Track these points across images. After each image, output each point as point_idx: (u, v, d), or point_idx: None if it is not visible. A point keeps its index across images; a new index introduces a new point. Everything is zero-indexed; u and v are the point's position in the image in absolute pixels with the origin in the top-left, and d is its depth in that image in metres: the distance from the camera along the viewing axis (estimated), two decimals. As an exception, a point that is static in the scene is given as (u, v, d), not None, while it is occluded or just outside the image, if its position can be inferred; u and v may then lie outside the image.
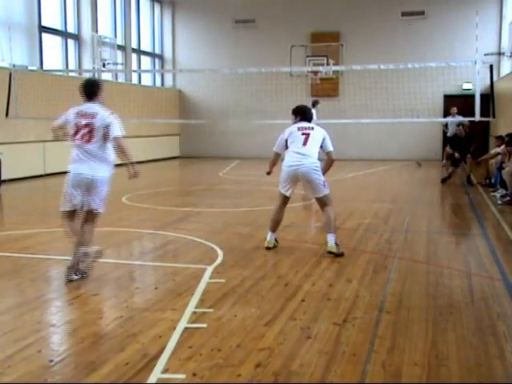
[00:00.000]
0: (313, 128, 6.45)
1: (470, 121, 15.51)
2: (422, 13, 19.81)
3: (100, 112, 5.29)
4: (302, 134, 6.36)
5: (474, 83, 11.22)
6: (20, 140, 14.08)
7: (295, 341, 3.79)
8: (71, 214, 5.21)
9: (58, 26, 16.63)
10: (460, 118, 16.48)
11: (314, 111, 9.81)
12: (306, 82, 19.80)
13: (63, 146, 16.76)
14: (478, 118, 10.75)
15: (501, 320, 4.23)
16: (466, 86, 18.28)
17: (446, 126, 17.31)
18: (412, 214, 9.09)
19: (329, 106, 19.01)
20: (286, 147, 6.44)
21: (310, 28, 20.64)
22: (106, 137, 5.19)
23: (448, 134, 17.26)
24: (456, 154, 13.50)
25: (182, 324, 4.07)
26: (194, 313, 4.31)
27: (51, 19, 16.20)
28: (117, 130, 5.23)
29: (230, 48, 21.40)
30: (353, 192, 12.65)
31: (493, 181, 11.61)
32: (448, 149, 15.00)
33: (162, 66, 22.39)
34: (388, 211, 9.26)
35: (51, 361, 3.50)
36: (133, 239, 7.32)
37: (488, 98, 12.20)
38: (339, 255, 6.04)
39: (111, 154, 5.28)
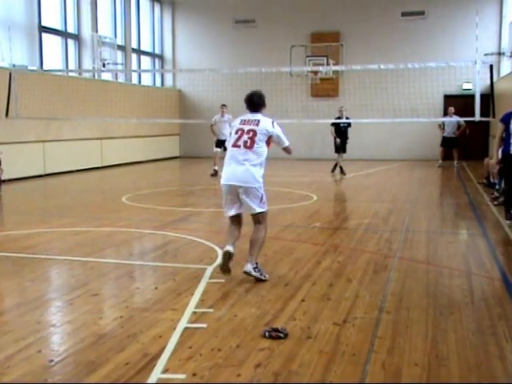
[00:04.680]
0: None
1: (466, 121, 15.57)
2: (422, 13, 19.80)
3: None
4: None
5: (474, 83, 11.22)
6: (20, 140, 14.08)
7: (295, 341, 3.79)
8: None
9: (58, 26, 16.63)
10: (457, 118, 16.51)
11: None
12: (306, 82, 19.81)
13: (63, 146, 16.82)
14: (478, 118, 10.74)
15: (501, 320, 4.23)
16: (466, 85, 18.29)
17: (442, 126, 17.31)
18: (412, 214, 9.09)
19: (329, 106, 19.08)
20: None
21: (310, 28, 20.64)
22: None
23: (444, 134, 17.27)
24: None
25: (182, 324, 4.07)
26: (194, 313, 4.31)
27: (51, 19, 16.20)
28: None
29: (230, 48, 21.40)
30: (353, 192, 12.65)
31: (492, 180, 11.56)
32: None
33: (162, 66, 22.38)
34: (388, 211, 9.26)
35: (51, 361, 3.50)
36: (133, 239, 7.32)
37: (488, 97, 12.20)
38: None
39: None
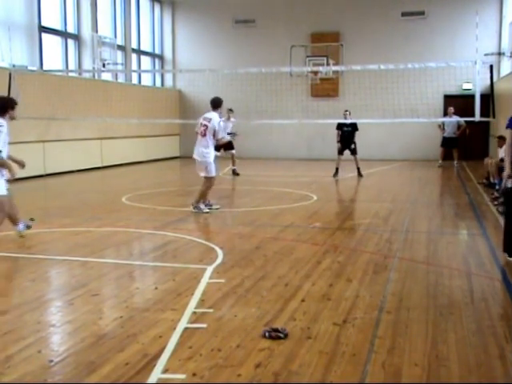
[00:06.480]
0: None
1: (466, 121, 15.58)
2: (422, 13, 19.80)
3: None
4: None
5: (474, 83, 11.23)
6: (20, 140, 14.06)
7: (295, 341, 3.79)
8: None
9: (58, 26, 16.63)
10: (457, 118, 16.51)
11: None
12: (306, 82, 19.81)
13: (63, 146, 16.78)
14: (478, 118, 10.74)
15: (501, 320, 4.23)
16: (466, 86, 18.28)
17: (442, 126, 17.30)
18: (412, 214, 9.09)
19: (329, 106, 19.09)
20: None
21: (310, 28, 20.63)
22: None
23: (444, 135, 17.27)
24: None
25: (182, 324, 4.07)
26: (194, 313, 4.31)
27: (51, 19, 16.19)
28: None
29: (230, 48, 21.40)
30: (353, 192, 12.66)
31: (492, 180, 11.56)
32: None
33: (162, 66, 22.38)
34: (388, 211, 9.26)
35: (51, 361, 3.50)
36: (133, 239, 7.33)
37: (488, 98, 12.20)
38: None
39: None
